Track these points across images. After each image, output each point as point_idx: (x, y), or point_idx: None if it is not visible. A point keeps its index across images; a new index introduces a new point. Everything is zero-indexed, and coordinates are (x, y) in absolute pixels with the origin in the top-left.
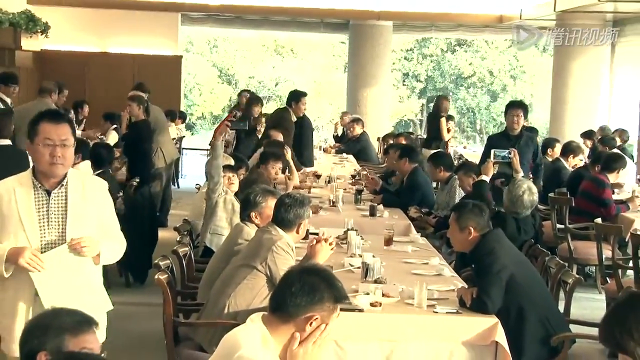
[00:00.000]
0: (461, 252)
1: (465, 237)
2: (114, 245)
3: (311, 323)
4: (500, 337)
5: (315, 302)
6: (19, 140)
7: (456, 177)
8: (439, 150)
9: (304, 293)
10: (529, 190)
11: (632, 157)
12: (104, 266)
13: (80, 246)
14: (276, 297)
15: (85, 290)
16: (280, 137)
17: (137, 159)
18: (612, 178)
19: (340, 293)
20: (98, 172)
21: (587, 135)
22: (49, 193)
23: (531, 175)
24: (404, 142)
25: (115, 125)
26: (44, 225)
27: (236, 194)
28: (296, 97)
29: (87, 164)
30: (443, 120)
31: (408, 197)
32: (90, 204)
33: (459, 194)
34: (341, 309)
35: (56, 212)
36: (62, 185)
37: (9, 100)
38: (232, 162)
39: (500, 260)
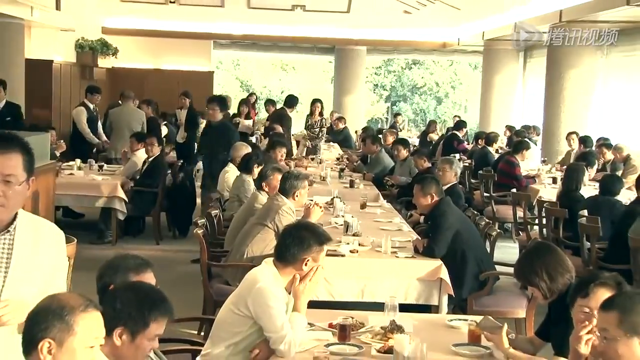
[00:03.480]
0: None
1: (427, 201)
2: None
3: (306, 264)
4: (444, 274)
5: (305, 248)
6: (114, 137)
7: (412, 158)
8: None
9: (295, 244)
10: None
11: (535, 144)
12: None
13: None
14: (279, 248)
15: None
16: (280, 129)
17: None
18: (519, 157)
19: (322, 238)
20: (156, 155)
21: (509, 128)
22: None
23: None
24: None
25: (165, 122)
26: None
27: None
28: (292, 102)
29: (142, 152)
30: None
31: (373, 168)
32: (41, 257)
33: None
34: (328, 254)
35: None
36: (9, 231)
37: (91, 106)
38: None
39: (449, 220)
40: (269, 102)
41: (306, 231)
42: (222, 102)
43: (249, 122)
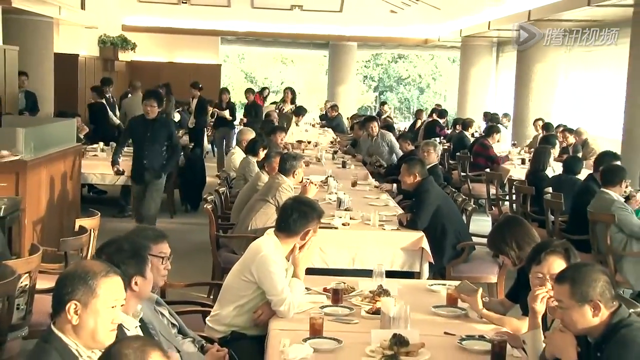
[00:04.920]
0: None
1: (412, 180)
2: None
3: (306, 234)
4: (425, 244)
5: (309, 221)
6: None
7: (383, 132)
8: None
9: (301, 218)
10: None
11: (506, 128)
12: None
13: None
14: (282, 221)
15: None
16: (274, 115)
17: None
18: (491, 140)
19: (320, 212)
20: None
21: (485, 115)
22: None
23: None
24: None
25: (179, 109)
26: None
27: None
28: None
29: None
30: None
31: (362, 150)
32: None
33: (397, 152)
34: (323, 227)
35: None
36: None
37: (107, 95)
38: (254, 134)
39: (431, 198)
40: (249, 91)
41: (306, 206)
42: (160, 97)
43: (226, 112)
